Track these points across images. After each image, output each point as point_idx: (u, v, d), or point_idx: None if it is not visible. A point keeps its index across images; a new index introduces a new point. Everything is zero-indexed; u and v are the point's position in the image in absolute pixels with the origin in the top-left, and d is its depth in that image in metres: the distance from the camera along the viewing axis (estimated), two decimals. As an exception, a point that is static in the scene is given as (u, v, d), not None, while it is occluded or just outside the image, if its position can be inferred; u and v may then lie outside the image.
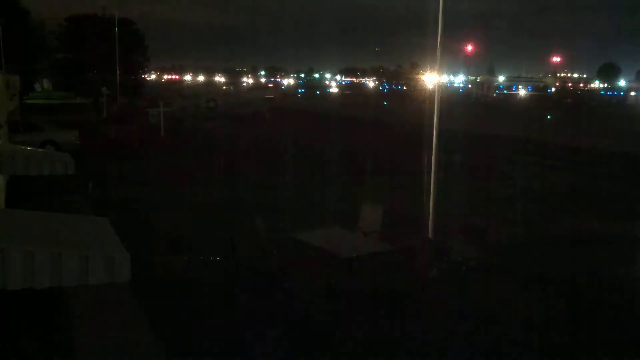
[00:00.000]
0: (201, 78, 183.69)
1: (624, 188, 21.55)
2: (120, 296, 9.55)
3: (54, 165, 10.32)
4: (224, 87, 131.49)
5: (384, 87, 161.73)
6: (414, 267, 11.04)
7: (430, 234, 11.73)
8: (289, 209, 16.10)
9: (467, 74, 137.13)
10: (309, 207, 16.30)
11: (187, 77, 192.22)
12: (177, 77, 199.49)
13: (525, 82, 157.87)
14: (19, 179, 15.32)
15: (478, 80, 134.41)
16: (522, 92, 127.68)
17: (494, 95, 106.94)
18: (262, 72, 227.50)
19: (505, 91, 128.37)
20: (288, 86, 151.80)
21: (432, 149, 11.77)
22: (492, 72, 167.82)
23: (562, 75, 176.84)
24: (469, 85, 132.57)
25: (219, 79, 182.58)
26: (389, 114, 58.28)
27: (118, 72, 49.25)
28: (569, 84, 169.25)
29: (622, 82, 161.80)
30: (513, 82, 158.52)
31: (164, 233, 13.65)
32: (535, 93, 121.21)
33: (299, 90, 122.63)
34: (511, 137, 35.95)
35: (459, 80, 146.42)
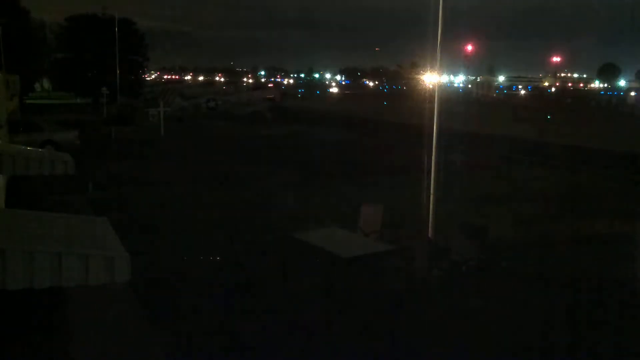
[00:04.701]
0: (201, 78, 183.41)
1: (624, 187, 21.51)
2: (120, 296, 9.54)
3: (54, 165, 10.33)
4: (224, 87, 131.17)
5: (384, 87, 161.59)
6: (414, 267, 11.03)
7: (430, 234, 11.72)
8: (284, 210, 16.11)
9: (467, 74, 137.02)
10: (304, 212, 16.24)
11: (187, 77, 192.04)
12: (177, 77, 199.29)
13: (526, 82, 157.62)
14: (19, 179, 15.31)
15: (478, 80, 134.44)
16: (521, 92, 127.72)
17: (494, 95, 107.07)
18: (262, 72, 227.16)
19: (505, 91, 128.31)
20: (288, 86, 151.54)
21: (432, 149, 11.78)
22: (492, 72, 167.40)
23: (562, 75, 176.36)
24: (469, 85, 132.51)
25: (219, 78, 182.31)
26: (390, 113, 58.24)
27: (118, 72, 49.14)
28: (569, 84, 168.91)
29: (622, 82, 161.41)
30: (513, 82, 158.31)
31: (164, 233, 13.63)
32: (536, 93, 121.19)
33: (299, 90, 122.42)
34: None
35: (459, 80, 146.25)
